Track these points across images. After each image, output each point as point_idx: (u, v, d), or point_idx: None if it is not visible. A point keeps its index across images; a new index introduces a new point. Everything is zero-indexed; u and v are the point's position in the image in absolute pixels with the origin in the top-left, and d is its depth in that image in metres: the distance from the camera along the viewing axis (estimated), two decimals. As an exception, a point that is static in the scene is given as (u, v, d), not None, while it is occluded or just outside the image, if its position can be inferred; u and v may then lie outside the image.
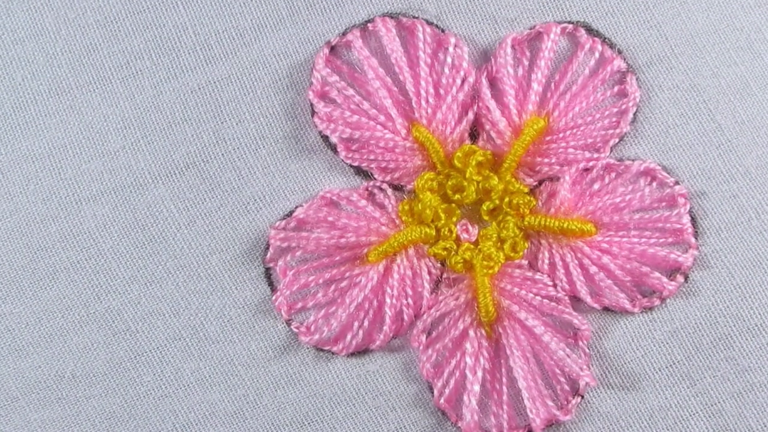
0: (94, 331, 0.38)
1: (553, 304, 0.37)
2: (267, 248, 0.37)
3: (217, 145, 0.38)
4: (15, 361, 0.38)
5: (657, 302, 0.38)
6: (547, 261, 0.38)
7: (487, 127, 0.38)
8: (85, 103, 0.38)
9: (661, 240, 0.38)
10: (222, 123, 0.38)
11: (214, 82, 0.38)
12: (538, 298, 0.37)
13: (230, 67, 0.38)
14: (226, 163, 0.38)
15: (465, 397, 0.37)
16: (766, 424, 0.37)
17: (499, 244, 0.37)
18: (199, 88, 0.38)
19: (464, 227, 0.37)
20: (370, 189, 0.38)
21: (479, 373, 0.37)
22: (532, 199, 0.37)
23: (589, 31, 0.39)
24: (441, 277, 0.38)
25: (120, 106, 0.38)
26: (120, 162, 0.38)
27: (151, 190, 0.38)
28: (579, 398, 0.37)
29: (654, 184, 0.38)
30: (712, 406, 0.37)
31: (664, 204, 0.38)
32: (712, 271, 0.38)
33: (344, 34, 0.38)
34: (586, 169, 0.38)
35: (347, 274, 0.37)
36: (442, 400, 0.37)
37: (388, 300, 0.37)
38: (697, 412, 0.37)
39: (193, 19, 0.38)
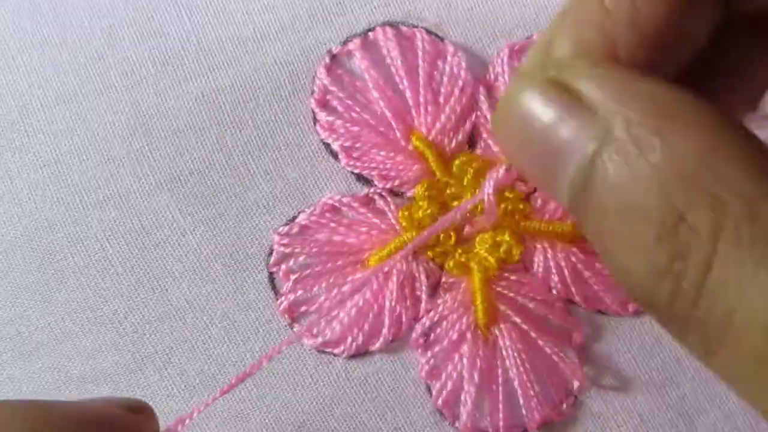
0: (102, 334, 0.38)
1: (547, 307, 0.39)
2: (270, 253, 0.38)
3: (220, 153, 0.39)
4: (25, 363, 0.38)
5: (648, 306, 0.39)
6: (541, 265, 0.39)
7: (485, 135, 0.39)
8: (90, 110, 0.39)
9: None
10: (225, 130, 0.39)
11: (217, 90, 0.39)
12: (533, 301, 0.39)
13: (233, 75, 0.39)
14: (229, 170, 0.39)
15: (462, 399, 0.38)
16: (752, 423, 0.39)
17: (494, 248, 0.38)
18: (203, 96, 0.39)
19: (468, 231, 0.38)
20: (370, 196, 0.39)
21: (476, 375, 0.38)
22: (527, 205, 0.38)
23: (586, 39, 0.39)
24: (440, 280, 0.39)
25: (125, 114, 0.39)
26: (125, 169, 0.39)
27: (155, 197, 0.38)
28: (572, 399, 0.38)
29: (647, 190, 0.39)
30: (699, 407, 0.39)
31: (656, 210, 0.39)
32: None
33: (345, 42, 0.39)
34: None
35: (349, 279, 0.38)
36: (439, 402, 0.38)
37: (387, 304, 0.38)
38: (684, 414, 0.39)
39: (196, 28, 0.39)
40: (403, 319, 0.38)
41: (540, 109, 0.22)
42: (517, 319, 0.38)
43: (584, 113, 0.21)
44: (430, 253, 0.38)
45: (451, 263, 0.38)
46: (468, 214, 0.39)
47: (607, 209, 0.21)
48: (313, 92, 0.39)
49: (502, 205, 0.38)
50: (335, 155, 0.39)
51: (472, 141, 0.39)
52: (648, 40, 0.22)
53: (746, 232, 0.19)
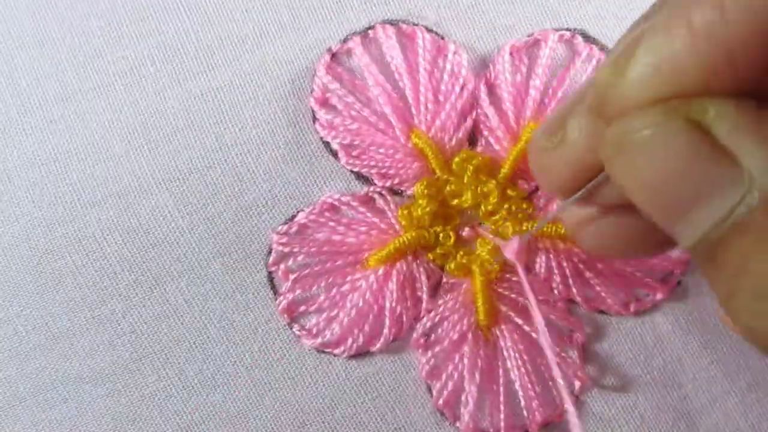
0: (99, 334, 0.38)
1: (548, 307, 0.38)
2: (269, 252, 0.38)
3: (220, 151, 0.38)
4: (22, 363, 0.38)
5: (649, 305, 0.39)
6: (543, 266, 0.39)
7: (486, 133, 0.39)
8: (89, 109, 0.38)
9: (654, 245, 0.39)
10: (224, 129, 0.38)
11: (217, 89, 0.39)
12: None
13: (232, 73, 0.39)
14: (228, 168, 0.38)
15: (463, 399, 0.38)
16: (753, 424, 0.38)
17: (496, 250, 0.38)
18: (202, 95, 0.39)
19: (467, 232, 0.38)
20: (370, 194, 0.38)
21: (477, 376, 0.38)
22: (530, 205, 0.38)
23: (587, 38, 0.39)
24: (440, 281, 0.39)
25: (124, 112, 0.38)
26: (124, 167, 0.38)
27: (154, 195, 0.38)
28: (574, 399, 0.38)
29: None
30: (701, 407, 0.39)
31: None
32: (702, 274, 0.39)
33: (345, 40, 0.39)
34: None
35: (348, 278, 0.38)
36: (440, 402, 0.38)
37: (387, 304, 0.37)
38: (686, 414, 0.38)
39: (195, 26, 0.39)
40: (404, 319, 0.38)
41: (676, 148, 0.21)
42: (519, 320, 0.38)
43: (724, 160, 0.20)
44: (430, 255, 0.38)
45: (453, 265, 0.38)
46: (470, 212, 0.38)
47: (747, 273, 0.20)
48: (312, 91, 0.38)
49: (506, 205, 0.38)
50: (335, 154, 0.38)
51: (472, 138, 0.39)
52: (747, 68, 0.21)
53: None
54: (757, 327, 0.21)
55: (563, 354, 0.38)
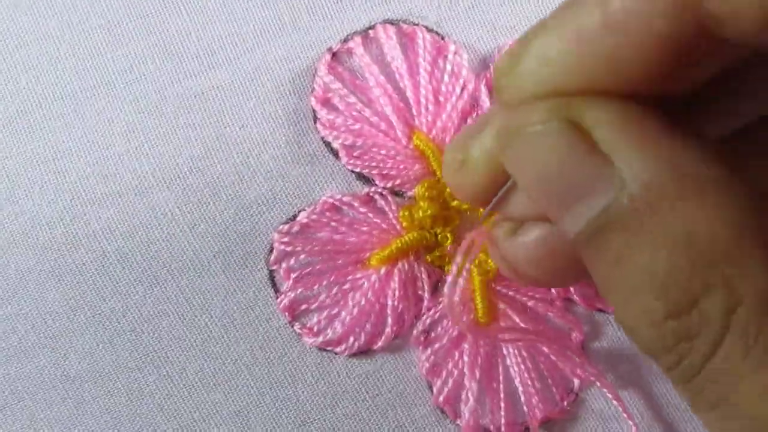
0: (99, 332, 0.38)
1: (546, 306, 0.39)
2: (271, 251, 0.38)
3: (220, 150, 0.38)
4: (21, 361, 0.38)
5: (647, 304, 0.39)
6: (542, 264, 0.39)
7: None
8: (89, 107, 0.38)
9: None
10: (225, 128, 0.39)
11: (217, 88, 0.39)
12: (532, 300, 0.39)
13: (233, 72, 0.39)
14: (229, 167, 0.38)
15: (463, 396, 0.38)
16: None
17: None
18: (203, 93, 0.39)
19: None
20: (371, 195, 0.39)
21: (477, 372, 0.38)
22: None
23: (585, 39, 0.39)
24: (440, 279, 0.39)
25: (124, 111, 0.38)
26: (124, 166, 0.38)
27: (155, 194, 0.38)
28: (573, 396, 0.39)
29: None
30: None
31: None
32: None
33: (346, 40, 0.39)
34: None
35: (349, 277, 0.38)
36: (440, 399, 0.38)
37: (389, 302, 0.38)
38: (684, 410, 0.39)
39: (196, 24, 0.39)
40: (405, 317, 0.38)
41: (556, 147, 0.22)
42: (517, 318, 0.38)
43: (601, 160, 0.21)
44: (429, 257, 0.38)
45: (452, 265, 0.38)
46: (469, 213, 0.39)
47: (618, 270, 0.21)
48: (313, 90, 0.39)
49: None
50: (336, 154, 0.38)
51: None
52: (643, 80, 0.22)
53: (754, 328, 0.19)
54: (624, 321, 0.22)
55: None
